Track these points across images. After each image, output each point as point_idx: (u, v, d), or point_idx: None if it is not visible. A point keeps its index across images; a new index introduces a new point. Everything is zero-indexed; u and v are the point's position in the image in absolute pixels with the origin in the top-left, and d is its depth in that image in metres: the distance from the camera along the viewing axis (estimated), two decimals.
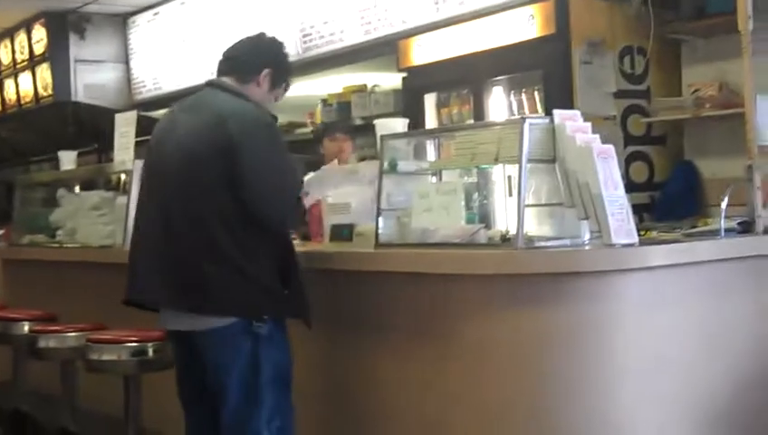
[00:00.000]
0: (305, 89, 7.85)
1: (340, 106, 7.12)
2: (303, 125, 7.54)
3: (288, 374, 3.36)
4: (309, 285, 3.37)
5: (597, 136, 3.14)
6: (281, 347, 3.32)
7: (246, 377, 3.25)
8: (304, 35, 7.38)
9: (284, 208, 3.32)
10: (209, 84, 3.47)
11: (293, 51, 7.45)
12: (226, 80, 3.42)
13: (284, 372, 3.34)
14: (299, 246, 4.24)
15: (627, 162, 5.33)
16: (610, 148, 3.11)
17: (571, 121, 3.18)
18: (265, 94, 3.43)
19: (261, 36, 3.54)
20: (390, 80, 6.75)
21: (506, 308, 3.12)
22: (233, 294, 3.22)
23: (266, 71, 3.42)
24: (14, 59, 10.26)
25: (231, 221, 3.22)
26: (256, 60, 3.43)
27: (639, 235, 3.13)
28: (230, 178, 3.19)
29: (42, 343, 4.60)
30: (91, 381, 4.53)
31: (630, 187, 4.79)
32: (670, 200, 5.26)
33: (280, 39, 3.55)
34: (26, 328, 4.95)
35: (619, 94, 5.42)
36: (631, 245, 3.03)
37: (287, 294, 3.30)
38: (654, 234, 3.57)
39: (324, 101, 7.32)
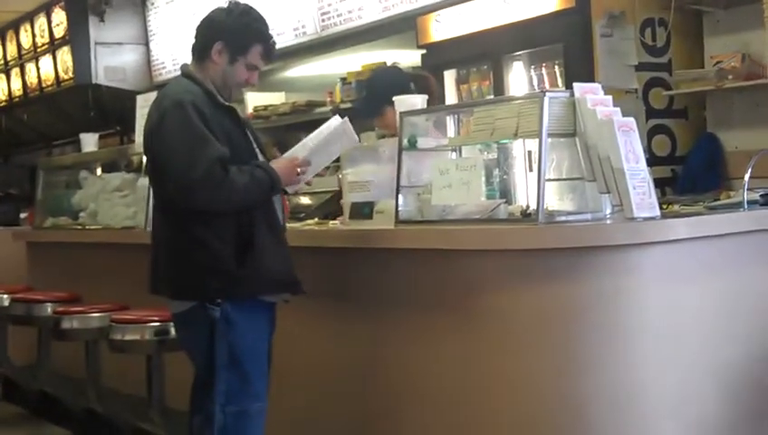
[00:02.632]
0: (324, 68, 7.84)
1: (360, 85, 7.08)
2: (323, 104, 7.52)
3: (248, 361, 3.25)
4: (311, 262, 3.33)
5: (618, 109, 3.11)
6: (240, 331, 3.23)
7: (205, 360, 3.26)
8: (322, 14, 7.34)
9: (174, 191, 3.18)
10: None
11: (312, 29, 7.44)
12: (188, 63, 3.41)
13: (242, 358, 3.24)
14: (315, 224, 4.26)
15: (649, 136, 5.28)
16: (632, 121, 3.08)
17: (591, 95, 3.15)
18: (227, 68, 3.31)
19: (213, 10, 3.40)
20: (410, 57, 6.71)
21: (528, 283, 3.11)
22: (181, 278, 3.26)
23: (218, 45, 3.30)
24: (34, 43, 10.31)
25: (168, 207, 3.30)
26: (205, 36, 3.35)
27: (661, 208, 3.11)
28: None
29: (65, 324, 4.64)
30: (114, 361, 4.57)
31: (652, 160, 4.75)
32: (692, 174, 5.21)
33: (243, 7, 3.37)
34: (50, 309, 5.01)
35: (641, 67, 5.36)
36: (653, 218, 3.01)
37: (243, 275, 3.20)
38: (676, 207, 3.54)
39: (343, 80, 7.28)
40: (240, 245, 3.21)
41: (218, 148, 3.17)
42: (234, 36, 3.31)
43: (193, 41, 3.40)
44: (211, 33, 3.33)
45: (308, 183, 3.53)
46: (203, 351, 3.26)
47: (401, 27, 6.60)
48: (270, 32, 3.39)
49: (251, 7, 3.39)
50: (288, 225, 3.99)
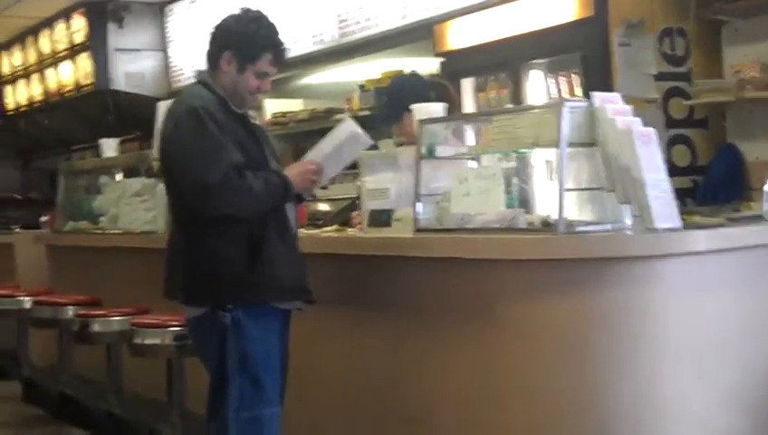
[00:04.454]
0: (342, 75, 7.87)
1: (378, 92, 7.10)
2: (341, 111, 7.54)
3: (259, 368, 3.27)
4: (329, 269, 3.33)
5: (638, 119, 3.11)
6: (251, 338, 3.25)
7: (217, 366, 3.28)
8: (341, 21, 7.38)
9: (189, 196, 3.21)
10: None
11: (330, 37, 7.47)
12: (203, 70, 3.43)
13: (254, 364, 3.26)
14: (334, 231, 4.27)
15: (668, 145, 5.27)
16: (652, 131, 3.08)
17: (611, 104, 3.15)
18: (237, 77, 3.31)
19: (224, 18, 3.41)
20: (427, 65, 6.72)
21: (547, 294, 3.11)
22: (193, 284, 3.29)
23: (226, 54, 3.31)
24: (54, 48, 10.38)
25: (180, 213, 3.34)
26: (215, 44, 3.36)
27: (682, 219, 3.09)
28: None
29: (87, 328, 4.67)
30: (134, 364, 4.60)
31: (672, 171, 4.71)
32: (713, 184, 5.19)
33: (252, 14, 3.37)
34: (72, 313, 5.04)
35: (660, 77, 5.35)
36: (674, 229, 3.00)
37: (252, 282, 3.22)
38: (697, 218, 3.52)
39: (362, 87, 7.31)
40: (251, 251, 3.23)
41: (234, 153, 3.19)
42: (242, 45, 3.31)
43: (207, 48, 3.42)
44: (220, 42, 3.35)
45: (323, 187, 3.55)
46: (215, 357, 3.28)
47: (419, 35, 6.63)
48: (280, 37, 3.38)
49: (261, 14, 3.39)
50: (306, 231, 4.03)
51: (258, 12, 3.40)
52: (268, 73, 3.37)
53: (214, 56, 3.36)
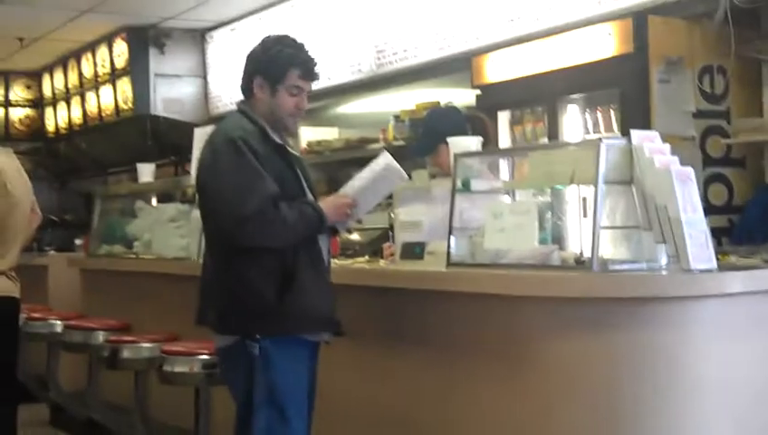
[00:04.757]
0: (378, 105, 7.89)
1: (413, 123, 7.12)
2: (376, 141, 7.56)
3: (286, 399, 3.24)
4: (359, 300, 3.30)
5: (676, 158, 3.07)
6: (279, 369, 3.22)
7: (244, 396, 3.27)
8: (378, 51, 7.41)
9: (225, 226, 3.21)
10: None
11: (367, 67, 7.50)
12: (242, 101, 3.44)
13: (281, 396, 3.23)
14: (365, 262, 4.26)
15: (705, 184, 5.22)
16: (690, 170, 3.04)
17: (649, 142, 3.12)
18: (271, 101, 3.33)
19: (252, 49, 3.43)
20: (464, 96, 6.72)
21: (579, 332, 3.07)
22: (222, 312, 3.29)
23: (257, 80, 3.34)
24: (95, 72, 10.52)
25: (213, 241, 3.35)
26: (246, 73, 3.39)
27: (717, 259, 3.05)
28: None
29: (117, 354, 4.68)
30: (163, 391, 4.59)
31: (709, 209, 4.67)
32: (750, 224, 5.13)
33: (275, 38, 3.39)
34: (102, 338, 5.05)
35: (698, 114, 5.31)
36: (710, 270, 2.96)
37: (281, 312, 3.22)
38: (732, 259, 3.48)
39: (397, 118, 7.32)
40: (282, 281, 3.22)
41: (270, 184, 3.20)
42: (269, 67, 3.33)
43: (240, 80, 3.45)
44: (250, 70, 3.38)
45: (358, 221, 3.54)
46: (242, 387, 3.27)
47: (456, 67, 6.63)
48: (308, 52, 3.38)
49: (284, 36, 3.42)
50: (337, 262, 4.02)
51: (280, 34, 3.44)
52: (302, 88, 3.36)
53: (247, 86, 3.39)
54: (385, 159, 3.53)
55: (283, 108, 3.34)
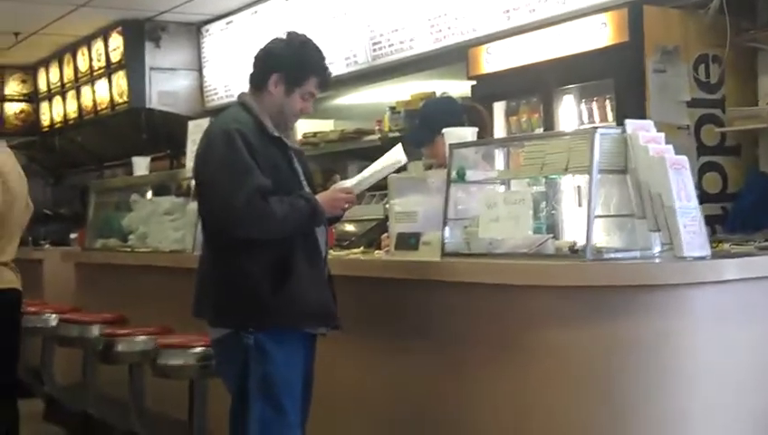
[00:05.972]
0: (373, 96, 7.88)
1: (409, 114, 7.11)
2: (371, 132, 7.55)
3: (281, 391, 3.23)
4: (354, 291, 3.32)
5: (670, 147, 3.08)
6: (274, 361, 3.22)
7: (240, 387, 3.27)
8: (374, 43, 7.39)
9: (217, 217, 3.24)
10: None
11: (363, 59, 7.49)
12: (245, 92, 3.43)
13: (275, 387, 3.23)
14: (360, 253, 4.25)
15: (700, 173, 5.22)
16: (684, 159, 3.05)
17: (643, 132, 3.12)
18: (284, 99, 3.33)
19: (272, 41, 3.43)
20: (459, 87, 6.71)
21: (574, 320, 3.07)
22: (217, 304, 3.29)
23: (275, 76, 3.32)
24: (91, 66, 10.50)
25: (210, 233, 3.36)
26: (263, 67, 3.37)
27: (711, 247, 3.06)
28: None
29: (112, 347, 4.67)
30: (158, 384, 4.59)
31: (703, 198, 4.67)
32: (744, 212, 5.13)
33: (300, 38, 3.40)
34: (97, 331, 5.04)
35: (693, 103, 5.31)
36: (703, 258, 2.96)
37: (276, 305, 3.21)
38: (726, 246, 3.49)
39: (392, 109, 7.32)
40: (278, 274, 3.22)
41: (259, 178, 3.19)
42: (291, 68, 3.33)
43: (251, 70, 3.43)
44: (269, 65, 3.36)
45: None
46: (237, 379, 3.27)
47: (452, 58, 6.63)
48: (326, 62, 3.41)
49: (309, 39, 3.42)
50: (332, 253, 4.01)
51: (305, 36, 3.44)
52: (313, 95, 3.39)
53: (261, 78, 3.36)
54: (397, 153, 3.57)
55: (292, 109, 3.37)
